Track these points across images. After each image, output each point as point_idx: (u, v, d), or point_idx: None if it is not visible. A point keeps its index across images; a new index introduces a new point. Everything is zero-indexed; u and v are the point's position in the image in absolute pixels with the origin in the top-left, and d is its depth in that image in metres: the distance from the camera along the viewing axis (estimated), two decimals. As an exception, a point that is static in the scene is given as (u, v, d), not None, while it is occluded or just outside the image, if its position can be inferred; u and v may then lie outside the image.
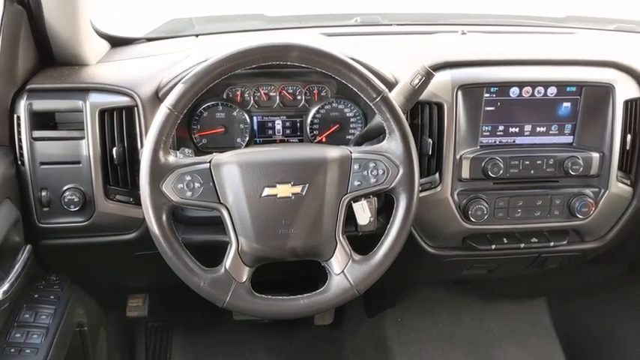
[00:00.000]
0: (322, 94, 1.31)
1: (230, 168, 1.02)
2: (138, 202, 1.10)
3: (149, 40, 1.52)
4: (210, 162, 1.02)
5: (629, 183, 1.29)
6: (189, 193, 1.00)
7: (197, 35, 1.52)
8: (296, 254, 1.04)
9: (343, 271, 1.03)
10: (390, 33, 1.58)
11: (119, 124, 1.17)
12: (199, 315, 1.95)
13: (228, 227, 1.02)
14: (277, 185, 1.02)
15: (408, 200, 1.04)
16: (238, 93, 1.28)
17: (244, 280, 1.02)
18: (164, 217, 0.99)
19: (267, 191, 1.01)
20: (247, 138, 1.30)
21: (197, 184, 1.00)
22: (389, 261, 1.04)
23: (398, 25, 1.64)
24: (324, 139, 1.32)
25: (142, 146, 1.16)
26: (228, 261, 1.02)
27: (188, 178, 1.00)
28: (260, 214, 1.01)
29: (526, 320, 1.97)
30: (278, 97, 1.29)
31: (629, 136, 1.26)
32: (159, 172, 0.99)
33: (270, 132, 1.32)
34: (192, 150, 1.20)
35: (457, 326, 1.94)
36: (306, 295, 1.04)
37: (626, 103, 1.24)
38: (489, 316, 1.97)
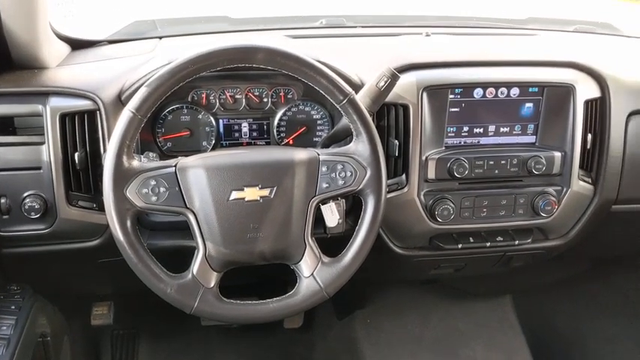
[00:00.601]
0: (289, 96, 1.30)
1: (196, 172, 1.00)
2: (101, 208, 1.08)
3: (111, 42, 1.49)
4: (175, 166, 1.01)
5: (590, 181, 1.32)
6: (154, 198, 0.98)
7: (160, 37, 1.49)
8: (265, 258, 1.03)
9: (313, 273, 1.03)
10: (355, 35, 1.58)
11: (81, 128, 1.14)
12: (166, 321, 1.92)
13: (195, 232, 1.00)
14: (245, 188, 1.01)
15: (375, 202, 1.05)
16: (203, 96, 1.27)
17: (212, 285, 1.01)
18: (129, 223, 0.97)
19: (234, 195, 1.00)
20: (213, 141, 1.29)
21: (162, 189, 0.99)
22: (358, 262, 1.04)
23: (363, 27, 1.65)
24: (291, 142, 1.32)
25: (104, 151, 1.13)
26: (195, 266, 1.00)
27: (153, 182, 0.98)
28: (228, 218, 1.00)
29: (493, 318, 2.00)
30: (244, 100, 1.28)
31: (589, 136, 1.29)
32: (122, 177, 0.97)
33: (236, 135, 1.30)
34: (156, 154, 1.18)
35: (425, 326, 1.96)
36: (275, 299, 1.03)
37: (587, 103, 1.27)
38: (457, 316, 1.99)
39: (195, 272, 1.00)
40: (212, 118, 1.28)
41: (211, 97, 1.27)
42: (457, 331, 1.95)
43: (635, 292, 2.02)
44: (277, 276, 1.31)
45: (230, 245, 1.00)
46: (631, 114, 1.30)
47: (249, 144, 1.31)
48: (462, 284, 2.01)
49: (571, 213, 1.34)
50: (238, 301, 1.02)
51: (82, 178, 1.16)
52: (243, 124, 1.30)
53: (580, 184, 1.31)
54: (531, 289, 2.04)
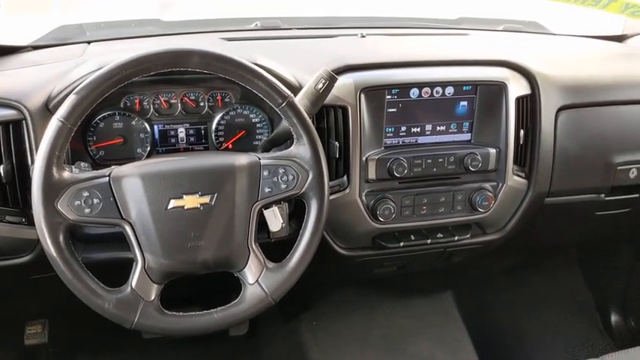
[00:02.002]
0: (226, 100, 1.28)
1: (131, 181, 0.97)
2: (31, 223, 1.02)
3: (36, 48, 1.42)
4: (109, 175, 0.96)
5: (524, 175, 1.37)
6: (87, 210, 0.94)
7: (89, 42, 1.44)
8: (207, 267, 1.01)
9: (257, 280, 1.01)
10: (291, 37, 1.57)
11: (5, 139, 1.08)
12: (105, 337, 1.85)
13: (132, 244, 0.97)
14: (184, 196, 0.98)
15: (319, 204, 1.04)
16: (137, 101, 1.22)
17: (153, 298, 0.97)
18: (61, 238, 0.92)
19: (173, 203, 0.97)
20: (148, 148, 1.25)
21: (96, 200, 0.94)
22: (303, 266, 1.03)
23: (298, 29, 1.65)
24: (230, 146, 1.29)
25: (32, 162, 1.08)
26: (134, 279, 0.96)
27: (86, 194, 0.94)
28: (167, 228, 0.96)
29: (436, 313, 2.03)
30: (180, 105, 1.25)
31: (522, 132, 1.33)
32: (53, 189, 0.92)
33: (172, 140, 1.27)
34: (88, 164, 1.12)
35: (371, 325, 1.98)
36: (219, 308, 1.01)
37: (518, 100, 1.31)
38: (402, 313, 2.02)
39: (134, 285, 0.96)
40: (146, 124, 1.23)
41: (145, 103, 1.23)
42: (402, 328, 1.98)
43: (569, 280, 2.11)
44: (221, 285, 1.28)
45: (170, 256, 0.97)
46: (560, 109, 1.35)
47: (186, 150, 1.28)
48: (405, 281, 2.04)
49: (507, 207, 1.38)
50: (181, 313, 0.99)
51: (9, 192, 1.10)
52: (179, 130, 1.27)
53: (514, 179, 1.35)
54: (471, 282, 2.09)
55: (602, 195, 1.46)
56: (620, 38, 1.86)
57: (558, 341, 1.96)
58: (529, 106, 1.34)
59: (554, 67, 1.39)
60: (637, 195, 1.48)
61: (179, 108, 1.25)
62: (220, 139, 1.29)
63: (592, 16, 1.83)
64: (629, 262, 1.96)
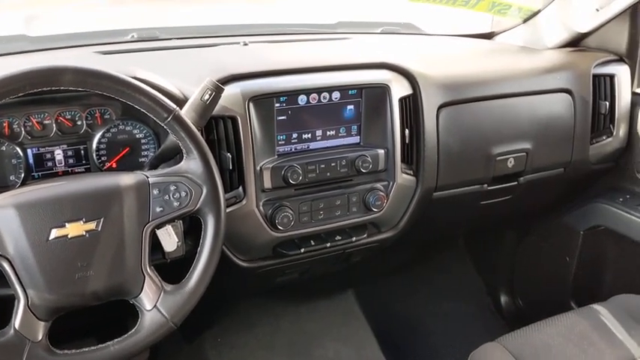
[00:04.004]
0: (105, 116, 1.20)
1: (5, 212, 0.88)
2: None
3: None
4: (-21, 209, 0.87)
5: (412, 173, 1.41)
6: None
7: (-58, 62, 1.30)
8: (99, 297, 0.94)
9: (156, 305, 0.96)
10: (171, 47, 1.52)
11: None
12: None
13: (12, 280, 0.88)
14: (67, 224, 0.90)
15: (215, 219, 1.01)
16: (5, 125, 1.12)
17: (40, 337, 0.89)
18: None
19: (55, 233, 0.90)
20: (22, 174, 1.14)
21: (-35, 237, 0.85)
22: (204, 285, 1.00)
23: (178, 38, 1.59)
24: (114, 165, 1.22)
25: None
26: (17, 319, 0.88)
27: None
28: (50, 261, 0.89)
29: (339, 313, 2.06)
30: (55, 125, 1.16)
31: (407, 131, 1.37)
32: None
33: (49, 164, 1.17)
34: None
35: (276, 333, 1.96)
36: (116, 340, 0.94)
37: (401, 100, 1.35)
38: (306, 317, 2.02)
39: (17, 326, 0.88)
40: (18, 149, 1.13)
41: (15, 126, 1.13)
42: (307, 332, 1.98)
43: (460, 269, 2.23)
44: (118, 312, 1.21)
45: (56, 290, 0.90)
46: (440, 107, 1.41)
47: (66, 173, 1.18)
48: (307, 286, 2.04)
49: (399, 205, 1.43)
50: (74, 351, 0.91)
51: None
52: (56, 152, 1.17)
53: (403, 177, 1.39)
54: (370, 280, 2.14)
55: (485, 185, 1.54)
56: (489, 35, 1.98)
57: (456, 327, 2.06)
58: (412, 105, 1.38)
59: (432, 66, 1.45)
60: (516, 183, 1.58)
61: (54, 129, 1.16)
62: (103, 159, 1.21)
63: (463, 15, 1.94)
64: (513, 247, 2.10)
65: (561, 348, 1.29)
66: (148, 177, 0.99)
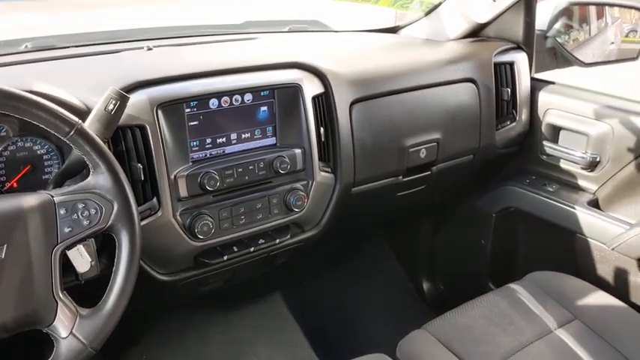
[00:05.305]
0: (2, 134, 1.12)
1: None
2: None
3: None
4: None
5: (330, 170, 1.42)
6: None
7: None
8: (7, 330, 0.87)
9: (72, 331, 0.90)
10: (70, 56, 1.44)
11: None
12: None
13: None
14: (-36, 254, 0.83)
15: (130, 235, 0.96)
16: None
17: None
18: None
19: (-49, 265, 0.82)
20: None
21: None
22: (122, 305, 0.94)
23: (77, 46, 1.51)
24: (15, 185, 1.14)
25: None
26: None
27: None
28: (-53, 295, 0.82)
29: (269, 318, 2.04)
30: (-58, 147, 1.07)
31: (322, 129, 1.37)
32: None
33: (-60, 190, 1.08)
34: None
35: (205, 345, 1.91)
36: (31, 374, 0.88)
37: (314, 99, 1.35)
38: (235, 324, 1.98)
39: None
40: None
41: None
42: (238, 340, 1.95)
43: (383, 259, 2.27)
44: (32, 343, 1.13)
45: (-42, 325, 0.82)
46: (352, 103, 1.42)
47: (-40, 198, 1.09)
48: (233, 293, 2.01)
49: (319, 203, 1.43)
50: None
51: None
52: (-52, 176, 1.08)
53: (322, 175, 1.39)
54: (297, 280, 2.14)
55: (400, 177, 1.57)
56: (394, 30, 2.03)
57: (384, 316, 2.10)
58: (324, 103, 1.38)
59: (342, 63, 1.46)
60: (429, 172, 1.63)
61: (-59, 151, 1.06)
62: (2, 179, 1.13)
63: (367, 11, 1.97)
64: (431, 234, 2.16)
65: (484, 329, 1.34)
66: (53, 196, 0.92)
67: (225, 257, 1.30)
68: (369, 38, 1.95)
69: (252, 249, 1.33)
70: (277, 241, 1.36)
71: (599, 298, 1.43)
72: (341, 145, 1.41)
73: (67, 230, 0.91)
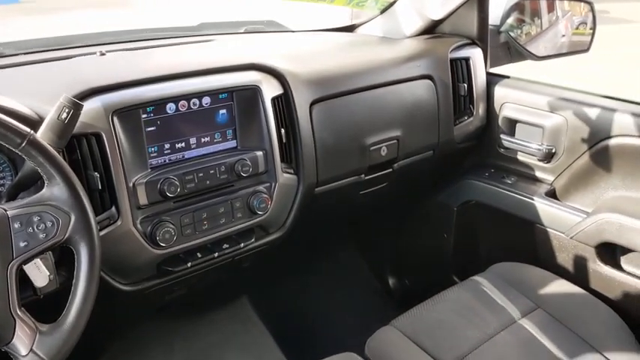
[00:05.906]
0: None
1: None
2: None
3: None
4: None
5: (292, 172, 1.41)
6: None
7: None
8: None
9: (32, 349, 0.87)
10: (19, 64, 1.38)
11: None
12: None
13: None
14: None
15: (89, 246, 0.93)
16: None
17: None
18: None
19: None
20: None
21: None
22: (84, 319, 0.92)
23: (26, 53, 1.46)
24: (-35, 200, 1.09)
25: None
26: None
27: None
28: None
29: (236, 322, 2.01)
30: None
31: (282, 131, 1.37)
32: None
33: None
34: None
35: (171, 353, 1.88)
36: (-11, 395, 0.85)
37: (273, 100, 1.34)
38: (202, 330, 1.96)
39: None
40: None
41: None
42: (205, 346, 1.92)
43: (349, 258, 2.28)
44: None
45: None
46: (312, 103, 1.42)
47: None
48: (199, 299, 1.98)
49: (283, 204, 1.42)
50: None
51: None
52: None
53: (285, 176, 1.38)
54: (264, 283, 2.13)
55: (363, 175, 1.58)
56: (350, 28, 2.03)
57: (352, 315, 2.10)
58: (284, 104, 1.38)
59: (299, 64, 1.46)
60: (390, 170, 1.64)
61: None
62: (-50, 194, 1.08)
63: (323, 10, 1.97)
64: (394, 231, 2.18)
65: (450, 322, 1.36)
66: (6, 210, 0.89)
67: (189, 264, 1.27)
68: (326, 37, 1.95)
69: (216, 254, 1.31)
70: (242, 245, 1.35)
71: (560, 286, 1.46)
72: (302, 146, 1.40)
73: (22, 245, 0.88)
